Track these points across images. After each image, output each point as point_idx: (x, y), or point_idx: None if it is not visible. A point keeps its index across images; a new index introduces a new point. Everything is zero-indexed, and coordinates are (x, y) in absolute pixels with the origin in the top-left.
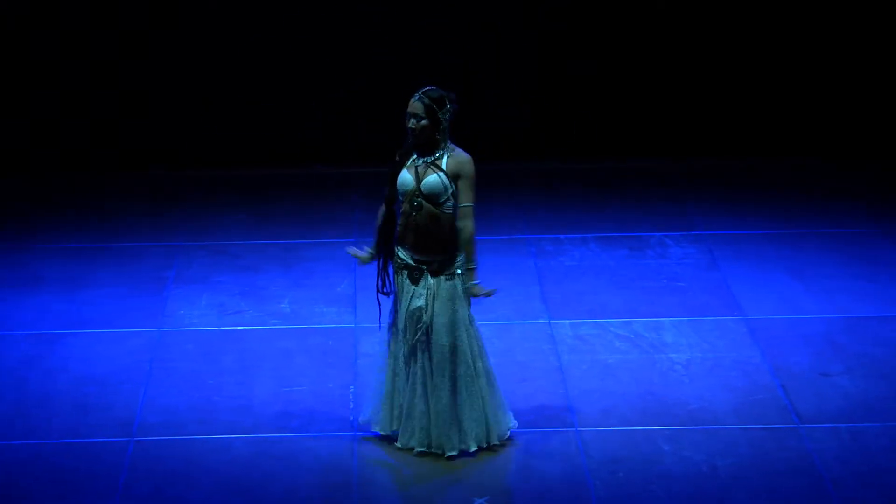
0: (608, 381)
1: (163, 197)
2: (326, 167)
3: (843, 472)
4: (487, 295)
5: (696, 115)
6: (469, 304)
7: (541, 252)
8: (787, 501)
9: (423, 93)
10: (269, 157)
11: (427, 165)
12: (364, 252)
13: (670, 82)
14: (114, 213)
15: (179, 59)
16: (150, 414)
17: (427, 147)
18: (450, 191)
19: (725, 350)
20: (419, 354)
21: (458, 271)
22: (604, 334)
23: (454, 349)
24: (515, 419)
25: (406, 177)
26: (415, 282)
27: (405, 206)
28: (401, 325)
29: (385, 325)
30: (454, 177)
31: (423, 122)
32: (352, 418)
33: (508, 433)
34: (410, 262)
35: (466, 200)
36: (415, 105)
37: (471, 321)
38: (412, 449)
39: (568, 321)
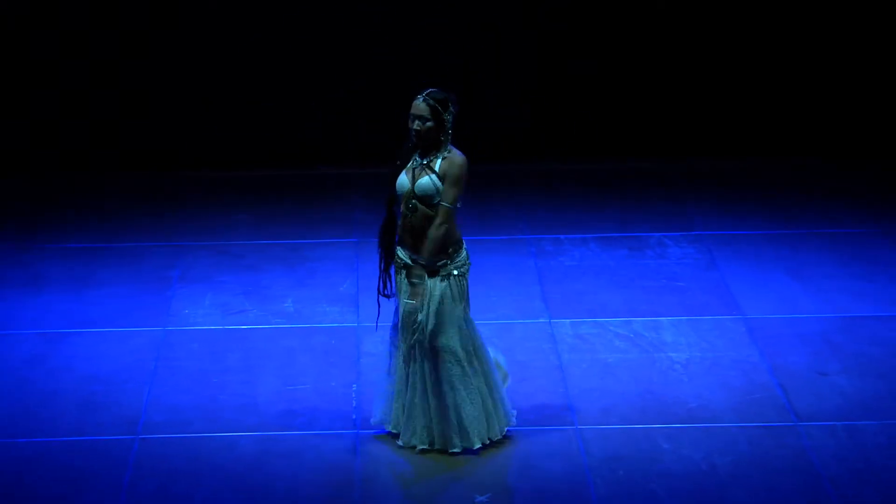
0: (608, 379)
1: (163, 197)
2: (328, 167)
3: (840, 469)
4: (412, 303)
5: (695, 116)
6: (464, 304)
7: (541, 252)
8: (786, 499)
9: (427, 94)
10: (269, 158)
11: (422, 168)
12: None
13: (670, 82)
14: (115, 213)
15: (179, 59)
16: (154, 412)
17: (429, 148)
18: (441, 193)
19: (724, 349)
20: (417, 353)
21: (455, 272)
22: (604, 333)
23: (447, 349)
24: (516, 416)
25: (403, 179)
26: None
27: (402, 208)
28: (401, 325)
29: (391, 324)
30: (443, 177)
31: (429, 123)
32: (354, 416)
33: (506, 429)
34: (409, 261)
35: (445, 199)
36: (420, 107)
37: (466, 321)
38: (415, 447)
39: (568, 320)
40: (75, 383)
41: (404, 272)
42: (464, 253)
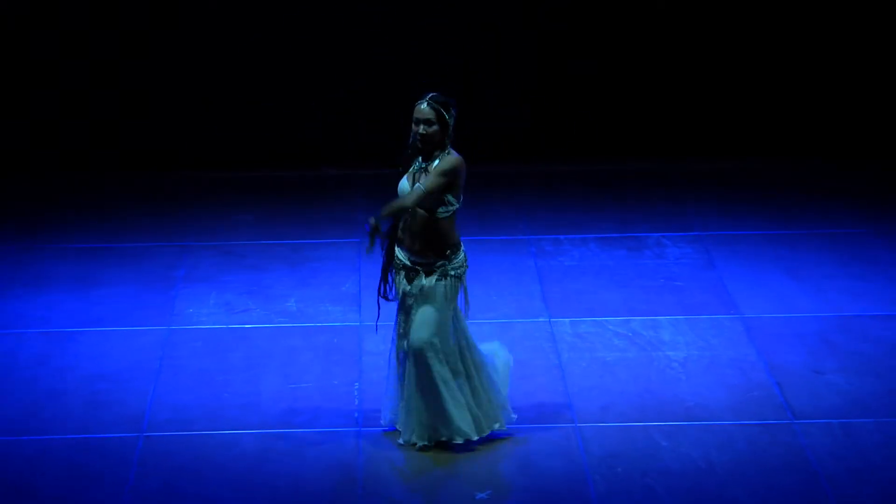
0: (607, 378)
1: (163, 197)
2: (329, 167)
3: (836, 467)
4: (376, 230)
5: (695, 116)
6: (455, 305)
7: (541, 252)
8: (783, 495)
9: (430, 98)
10: (270, 158)
11: (423, 172)
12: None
13: (670, 83)
14: (116, 213)
15: (179, 59)
16: (159, 410)
17: (431, 152)
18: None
19: (722, 348)
20: (408, 351)
21: (451, 273)
22: (603, 332)
23: (431, 345)
24: (514, 415)
25: (404, 183)
26: (410, 281)
27: None
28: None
29: (393, 324)
30: None
31: (434, 127)
32: (357, 414)
33: (506, 427)
34: (407, 262)
35: (424, 183)
36: (424, 111)
37: (456, 321)
38: (415, 444)
39: (568, 320)
40: (80, 382)
41: (402, 273)
42: (461, 255)
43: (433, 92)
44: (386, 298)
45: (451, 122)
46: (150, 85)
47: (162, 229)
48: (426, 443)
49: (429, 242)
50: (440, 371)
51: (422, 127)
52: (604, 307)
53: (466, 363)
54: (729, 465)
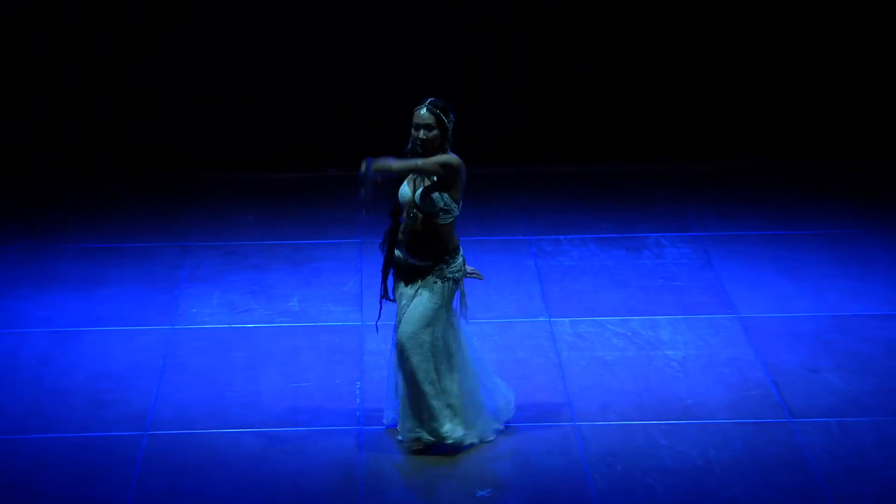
0: (606, 377)
1: (164, 197)
2: (330, 168)
3: (833, 465)
4: (367, 179)
5: (694, 116)
6: (450, 308)
7: (541, 252)
8: (780, 493)
9: (429, 103)
10: (270, 158)
11: (422, 177)
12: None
13: (670, 83)
14: (117, 213)
15: (179, 59)
16: (163, 409)
17: (430, 156)
18: (441, 202)
19: (720, 347)
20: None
21: (449, 276)
22: (602, 332)
23: (415, 340)
24: (499, 425)
25: (405, 189)
26: (407, 283)
27: (404, 216)
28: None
29: (394, 325)
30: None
31: (434, 132)
32: (358, 413)
33: (489, 438)
34: (406, 264)
35: (421, 161)
36: (424, 116)
37: (448, 324)
38: (417, 440)
39: (567, 319)
40: (85, 381)
41: (401, 274)
42: (460, 259)
43: (432, 96)
44: (388, 299)
45: (451, 126)
46: (150, 85)
47: (164, 230)
48: (412, 435)
49: (429, 246)
50: (420, 366)
51: (422, 132)
52: (603, 307)
53: (454, 365)
54: (727, 464)
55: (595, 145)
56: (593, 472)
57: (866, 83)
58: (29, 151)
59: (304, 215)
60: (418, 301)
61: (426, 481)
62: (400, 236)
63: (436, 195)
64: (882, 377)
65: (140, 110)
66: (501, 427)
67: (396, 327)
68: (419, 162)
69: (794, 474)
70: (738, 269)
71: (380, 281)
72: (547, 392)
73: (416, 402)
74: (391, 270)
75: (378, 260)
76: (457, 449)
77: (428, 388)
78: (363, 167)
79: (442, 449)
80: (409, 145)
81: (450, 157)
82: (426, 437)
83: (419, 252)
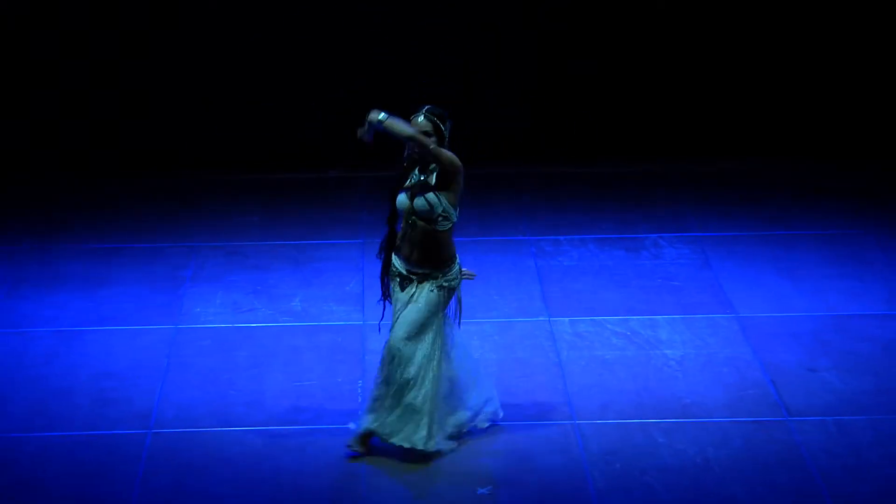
0: (605, 376)
1: (164, 197)
2: (330, 168)
3: (830, 463)
4: (372, 123)
5: (694, 116)
6: (441, 315)
7: (540, 252)
8: (778, 491)
9: (427, 111)
10: (270, 158)
11: (420, 185)
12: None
13: (669, 83)
14: (118, 213)
15: (179, 59)
16: (166, 408)
17: (428, 163)
18: (439, 208)
19: (718, 347)
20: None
21: (445, 284)
22: (601, 331)
23: (405, 344)
24: (454, 443)
25: (402, 196)
26: (402, 289)
27: (402, 224)
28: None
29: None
30: (440, 185)
31: (432, 138)
32: (359, 412)
33: (442, 449)
34: (403, 271)
35: (429, 141)
36: (422, 123)
37: (438, 333)
38: (405, 444)
39: (567, 319)
40: (89, 380)
41: (397, 280)
42: (456, 267)
43: (428, 104)
44: (389, 300)
45: (447, 133)
46: (150, 85)
47: (166, 230)
48: (385, 433)
49: (426, 253)
50: (407, 371)
51: None
52: (602, 307)
53: (437, 373)
54: (725, 462)
55: (595, 145)
56: (593, 470)
57: (866, 83)
58: (29, 151)
59: (306, 216)
60: (413, 307)
61: (427, 479)
62: (398, 242)
63: (434, 199)
64: (879, 376)
65: (140, 110)
66: (486, 425)
67: (389, 331)
68: (432, 144)
69: (791, 472)
70: (736, 269)
71: (381, 285)
72: (547, 391)
73: (395, 405)
74: (387, 277)
75: (378, 263)
76: (428, 456)
77: (410, 394)
78: (375, 115)
79: (413, 453)
80: (407, 153)
81: (453, 156)
82: (398, 441)
83: (416, 259)
